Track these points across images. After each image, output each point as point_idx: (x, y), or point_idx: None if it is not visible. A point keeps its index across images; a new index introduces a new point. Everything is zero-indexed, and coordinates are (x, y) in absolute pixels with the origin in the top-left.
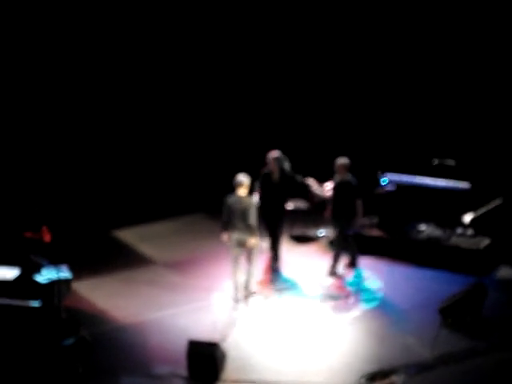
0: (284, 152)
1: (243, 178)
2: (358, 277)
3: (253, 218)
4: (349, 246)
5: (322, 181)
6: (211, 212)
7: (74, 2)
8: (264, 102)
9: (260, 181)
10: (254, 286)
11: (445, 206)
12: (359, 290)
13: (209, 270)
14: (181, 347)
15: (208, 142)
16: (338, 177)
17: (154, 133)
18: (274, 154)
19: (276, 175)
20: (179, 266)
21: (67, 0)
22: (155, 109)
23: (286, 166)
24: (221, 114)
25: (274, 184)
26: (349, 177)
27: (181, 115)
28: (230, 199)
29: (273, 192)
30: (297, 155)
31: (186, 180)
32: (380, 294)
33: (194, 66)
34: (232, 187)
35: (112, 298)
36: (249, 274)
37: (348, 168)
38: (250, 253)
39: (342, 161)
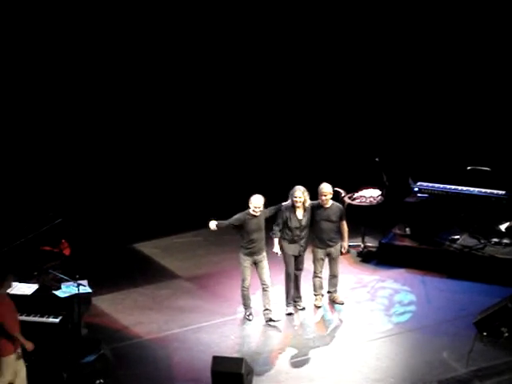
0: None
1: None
2: None
3: None
4: None
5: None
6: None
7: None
8: (287, 107)
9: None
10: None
11: (479, 215)
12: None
13: (234, 283)
14: (205, 363)
15: (231, 153)
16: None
17: (176, 145)
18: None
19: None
20: (203, 279)
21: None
22: (178, 123)
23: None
24: (240, 127)
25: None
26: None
27: (202, 129)
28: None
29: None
30: (328, 164)
31: (209, 191)
32: (412, 307)
33: (213, 76)
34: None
35: (134, 313)
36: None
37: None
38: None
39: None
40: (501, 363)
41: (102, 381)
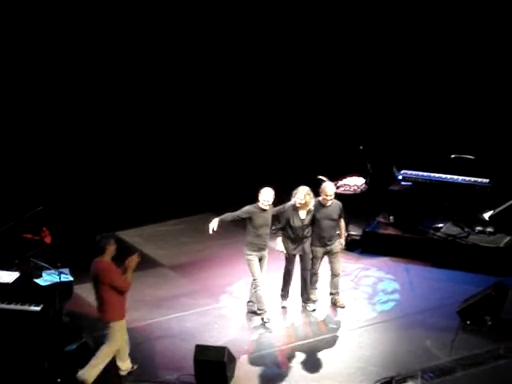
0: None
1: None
2: None
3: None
4: None
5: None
6: (218, 211)
7: (74, 2)
8: (275, 95)
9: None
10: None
11: (463, 203)
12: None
13: (217, 272)
14: (188, 352)
15: (213, 139)
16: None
17: (158, 132)
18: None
19: None
20: (186, 268)
21: (67, 0)
22: (160, 109)
23: None
24: (228, 111)
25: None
26: None
27: (186, 114)
28: None
29: None
30: (311, 152)
31: (192, 179)
32: (396, 296)
33: (200, 66)
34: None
35: None
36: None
37: None
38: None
39: None
40: (484, 352)
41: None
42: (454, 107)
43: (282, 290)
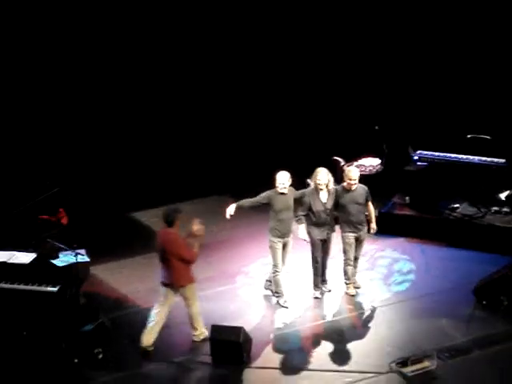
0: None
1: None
2: None
3: None
4: None
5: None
6: (234, 194)
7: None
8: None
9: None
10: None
11: (479, 184)
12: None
13: (232, 253)
14: None
15: (228, 121)
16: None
17: (172, 114)
18: None
19: None
20: (201, 249)
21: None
22: (176, 90)
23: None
24: (243, 90)
25: None
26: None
27: (203, 94)
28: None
29: None
30: (326, 133)
31: (207, 161)
32: (411, 276)
33: (209, 49)
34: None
35: (132, 282)
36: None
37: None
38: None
39: None
40: (500, 332)
41: (100, 350)
42: (470, 87)
43: (314, 281)
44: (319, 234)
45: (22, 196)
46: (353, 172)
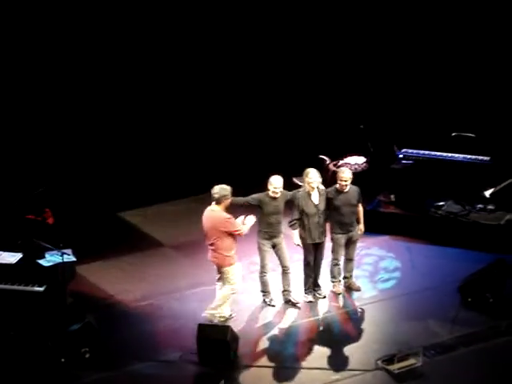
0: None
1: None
2: None
3: None
4: None
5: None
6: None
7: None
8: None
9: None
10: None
11: (464, 181)
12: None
13: None
14: (191, 331)
15: (216, 120)
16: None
17: (159, 112)
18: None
19: None
20: (187, 248)
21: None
22: (163, 87)
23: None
24: (229, 89)
25: None
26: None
27: (190, 93)
28: None
29: None
30: (311, 132)
31: (192, 160)
32: (397, 274)
33: (204, 47)
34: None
35: (119, 282)
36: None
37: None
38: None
39: None
40: (485, 329)
41: (87, 349)
42: (454, 85)
43: (306, 284)
44: (312, 237)
45: (8, 196)
46: (345, 173)
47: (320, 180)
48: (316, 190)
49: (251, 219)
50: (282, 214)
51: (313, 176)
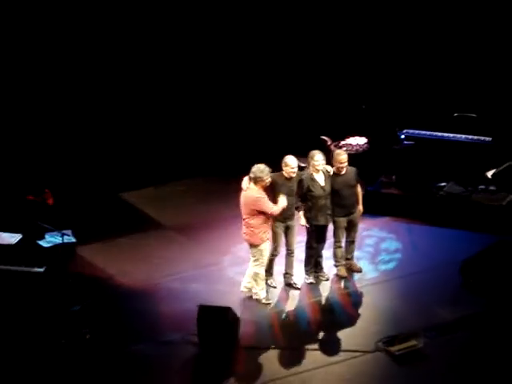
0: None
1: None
2: None
3: None
4: None
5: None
6: (218, 175)
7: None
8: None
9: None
10: None
11: (466, 162)
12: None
13: (218, 233)
14: (192, 313)
15: (217, 102)
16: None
17: (159, 94)
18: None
19: None
20: (188, 229)
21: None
22: (162, 71)
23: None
24: (229, 73)
25: None
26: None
27: (191, 76)
28: None
29: None
30: (313, 112)
31: (192, 142)
32: (398, 255)
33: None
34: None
35: (119, 263)
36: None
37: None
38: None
39: None
40: (486, 310)
41: (87, 330)
42: (456, 65)
43: (307, 266)
44: (319, 219)
45: (8, 177)
46: (342, 155)
47: (325, 162)
48: (321, 171)
49: (283, 200)
50: (294, 196)
51: (318, 159)
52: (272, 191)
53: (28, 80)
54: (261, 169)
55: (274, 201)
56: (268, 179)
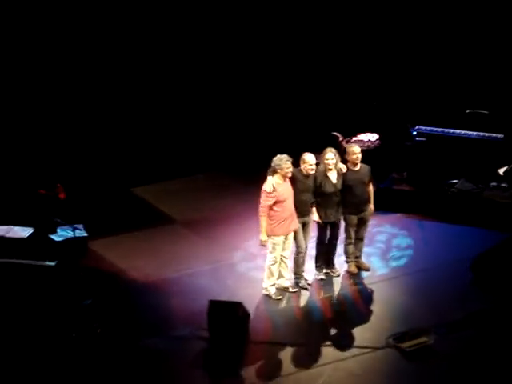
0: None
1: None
2: None
3: None
4: None
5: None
6: (228, 171)
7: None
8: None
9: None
10: None
11: (478, 159)
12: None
13: (229, 228)
14: (202, 307)
15: (227, 97)
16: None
17: (170, 89)
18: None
19: None
20: (199, 224)
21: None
22: (172, 66)
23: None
24: (237, 69)
25: None
26: None
27: (200, 72)
28: None
29: None
30: (324, 108)
31: (203, 137)
32: (409, 252)
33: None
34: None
35: (130, 258)
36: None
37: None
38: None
39: None
40: (496, 308)
41: (98, 324)
42: (468, 62)
43: (317, 262)
44: (329, 216)
45: (20, 171)
46: (355, 147)
47: (337, 160)
48: (334, 169)
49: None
50: (311, 192)
51: (330, 157)
52: (292, 186)
53: (39, 74)
54: (280, 157)
55: (294, 195)
56: (288, 167)
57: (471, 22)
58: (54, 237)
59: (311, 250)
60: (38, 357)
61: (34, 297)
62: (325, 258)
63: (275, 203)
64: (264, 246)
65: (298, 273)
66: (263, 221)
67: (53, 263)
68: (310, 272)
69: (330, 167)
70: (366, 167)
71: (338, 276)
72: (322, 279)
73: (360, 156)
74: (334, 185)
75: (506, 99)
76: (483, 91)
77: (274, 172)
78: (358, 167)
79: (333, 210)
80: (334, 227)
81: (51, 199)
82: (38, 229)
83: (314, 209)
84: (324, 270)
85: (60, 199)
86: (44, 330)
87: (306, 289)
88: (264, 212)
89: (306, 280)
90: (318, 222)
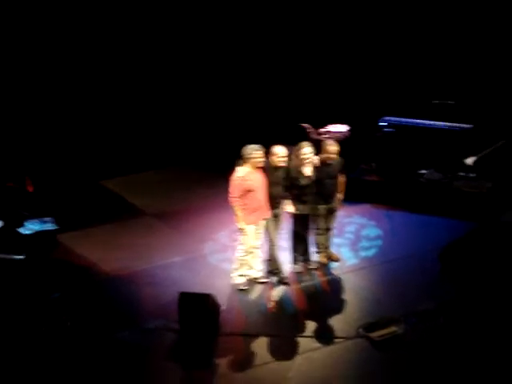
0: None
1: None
2: None
3: None
4: None
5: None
6: (195, 165)
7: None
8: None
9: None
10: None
11: (445, 149)
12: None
13: (199, 220)
14: (172, 299)
15: (197, 92)
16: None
17: (142, 83)
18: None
19: None
20: (169, 216)
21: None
22: (150, 62)
23: None
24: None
25: None
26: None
27: (176, 66)
28: None
29: None
30: (293, 99)
31: (172, 132)
32: (378, 242)
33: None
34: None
35: (100, 250)
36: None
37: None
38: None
39: None
40: (465, 297)
41: (68, 317)
42: (435, 52)
43: (293, 254)
44: (303, 208)
45: None
46: (333, 146)
47: (312, 154)
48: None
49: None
50: (283, 186)
51: (306, 151)
52: (264, 177)
53: (9, 68)
54: (250, 147)
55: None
56: (258, 157)
57: (436, 12)
58: (22, 230)
59: (283, 243)
60: (7, 351)
61: (3, 290)
62: (301, 250)
63: (246, 192)
64: (244, 233)
65: (275, 268)
66: (237, 209)
67: (21, 257)
68: (286, 264)
69: (306, 162)
70: (339, 161)
71: (316, 269)
72: (298, 272)
73: (336, 156)
74: (309, 177)
75: (472, 89)
76: (449, 81)
77: (245, 162)
78: (331, 162)
79: (307, 202)
80: (307, 219)
81: (19, 192)
82: (6, 222)
83: (289, 201)
84: (300, 263)
85: (28, 192)
86: (13, 324)
87: (286, 283)
88: (235, 200)
89: (283, 275)
90: (293, 214)
